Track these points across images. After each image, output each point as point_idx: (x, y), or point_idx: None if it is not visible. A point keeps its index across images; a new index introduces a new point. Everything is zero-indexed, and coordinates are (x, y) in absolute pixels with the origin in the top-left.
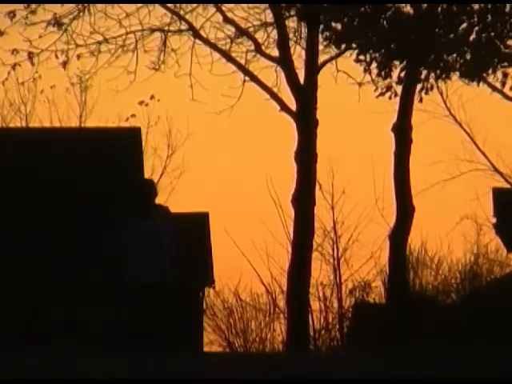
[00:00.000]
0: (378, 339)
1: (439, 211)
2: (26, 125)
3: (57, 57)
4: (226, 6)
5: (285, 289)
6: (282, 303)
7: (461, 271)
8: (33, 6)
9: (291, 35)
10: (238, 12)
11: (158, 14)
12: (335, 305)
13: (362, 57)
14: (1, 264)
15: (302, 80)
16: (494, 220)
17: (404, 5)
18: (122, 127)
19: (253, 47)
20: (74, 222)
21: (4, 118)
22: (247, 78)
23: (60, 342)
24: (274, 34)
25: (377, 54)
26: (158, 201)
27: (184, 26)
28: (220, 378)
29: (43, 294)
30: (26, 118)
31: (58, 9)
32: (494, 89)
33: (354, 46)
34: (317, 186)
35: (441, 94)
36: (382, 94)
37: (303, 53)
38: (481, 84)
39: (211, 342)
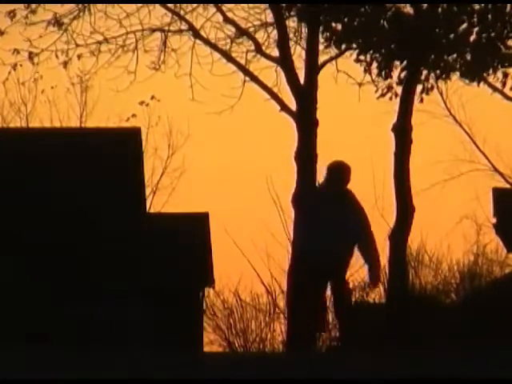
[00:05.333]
0: (378, 339)
1: (439, 211)
2: (26, 125)
3: (57, 57)
4: (226, 6)
5: (285, 289)
6: (282, 303)
7: (461, 271)
8: (33, 5)
9: (291, 35)
10: (238, 12)
11: (158, 14)
12: None
13: (362, 57)
14: (1, 265)
15: (302, 80)
16: (493, 220)
17: (404, 5)
18: (123, 127)
19: (253, 47)
20: (74, 221)
21: (4, 118)
22: (247, 78)
23: (60, 342)
24: (274, 34)
25: (377, 54)
26: (157, 201)
27: (184, 26)
28: (220, 378)
29: (43, 294)
30: (26, 118)
31: (58, 8)
32: (495, 89)
33: (354, 46)
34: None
35: (441, 94)
36: (382, 96)
37: (303, 53)
38: (481, 84)
39: (211, 342)
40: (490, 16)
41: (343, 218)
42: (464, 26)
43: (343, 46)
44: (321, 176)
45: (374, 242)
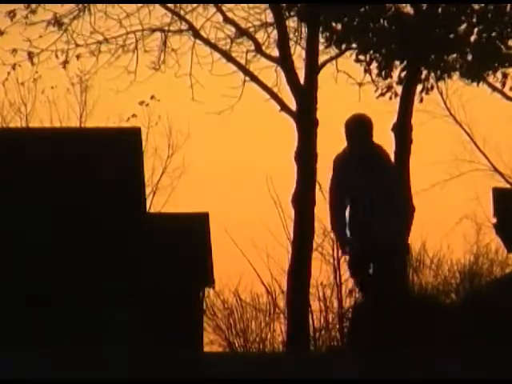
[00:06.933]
0: (378, 339)
1: (439, 211)
2: (26, 125)
3: (57, 57)
4: (226, 6)
5: (285, 289)
6: (282, 303)
7: (461, 271)
8: (33, 5)
9: (291, 35)
10: (238, 12)
11: (158, 14)
12: (335, 305)
13: (362, 57)
14: (1, 264)
15: (302, 80)
16: (494, 220)
17: (404, 5)
18: (123, 127)
19: (253, 47)
20: (74, 221)
21: (4, 118)
22: (247, 78)
23: (60, 342)
24: (274, 34)
25: (377, 54)
26: (157, 201)
27: (184, 26)
28: (220, 378)
29: (43, 294)
30: (26, 118)
31: (58, 9)
32: (494, 89)
33: (354, 46)
34: (317, 186)
35: (441, 94)
36: (382, 95)
37: (303, 53)
38: (481, 84)
39: (211, 342)
40: (490, 16)
41: (372, 186)
42: (464, 26)
43: (343, 46)
44: (321, 176)
45: (403, 212)
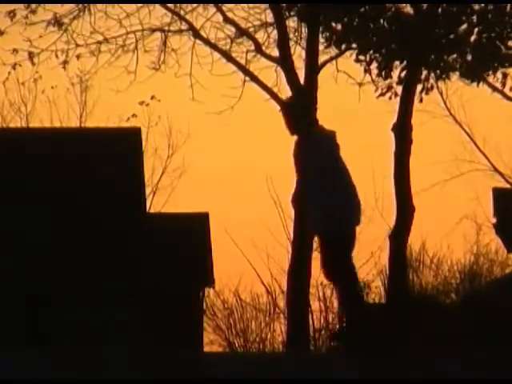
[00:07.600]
0: (378, 340)
1: (439, 211)
2: (26, 125)
3: (57, 57)
4: (226, 6)
5: (285, 289)
6: (282, 303)
7: (461, 271)
8: (33, 5)
9: (291, 35)
10: (238, 12)
11: (159, 14)
12: (335, 305)
13: (362, 57)
14: (1, 264)
15: (302, 80)
16: (494, 220)
17: (404, 5)
18: (123, 127)
19: (253, 47)
20: (74, 221)
21: (4, 118)
22: (247, 78)
23: (60, 342)
24: (274, 34)
25: (377, 54)
26: (157, 201)
27: (184, 26)
28: (220, 378)
29: (43, 294)
30: (26, 118)
31: (58, 8)
32: (494, 89)
33: (354, 46)
34: None
35: (441, 94)
36: (382, 95)
37: (303, 53)
38: (481, 84)
39: (211, 342)
40: (490, 16)
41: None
42: (464, 26)
43: (343, 46)
44: None
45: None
